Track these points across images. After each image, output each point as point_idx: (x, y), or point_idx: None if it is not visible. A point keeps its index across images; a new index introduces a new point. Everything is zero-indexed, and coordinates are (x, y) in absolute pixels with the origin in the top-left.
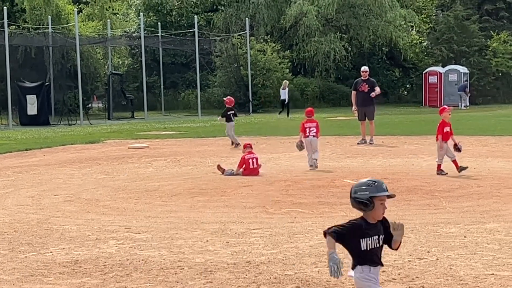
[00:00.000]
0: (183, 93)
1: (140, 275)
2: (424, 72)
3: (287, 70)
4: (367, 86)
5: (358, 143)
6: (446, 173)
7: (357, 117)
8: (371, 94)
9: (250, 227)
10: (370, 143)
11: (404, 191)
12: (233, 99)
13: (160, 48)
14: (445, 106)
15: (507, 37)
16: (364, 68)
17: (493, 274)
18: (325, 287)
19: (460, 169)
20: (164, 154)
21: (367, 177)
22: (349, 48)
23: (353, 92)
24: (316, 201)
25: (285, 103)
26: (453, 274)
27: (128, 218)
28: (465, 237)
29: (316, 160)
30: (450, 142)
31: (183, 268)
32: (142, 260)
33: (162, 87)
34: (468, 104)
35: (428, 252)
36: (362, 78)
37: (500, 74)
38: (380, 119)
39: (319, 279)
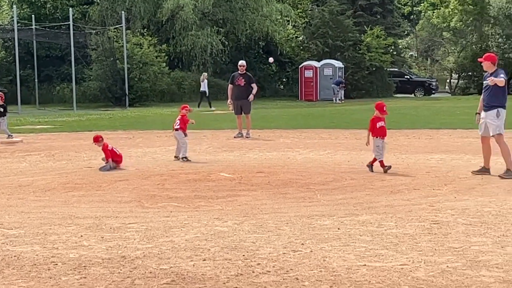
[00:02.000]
0: (58, 86)
1: (12, 271)
2: (300, 66)
3: (164, 63)
4: (243, 80)
5: (234, 137)
6: (390, 166)
7: (233, 111)
8: (249, 99)
9: (126, 222)
10: (247, 137)
11: (280, 185)
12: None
13: (34, 41)
14: (383, 103)
15: (380, 31)
16: (242, 62)
17: (365, 265)
18: (200, 280)
19: (387, 168)
20: (38, 148)
21: (244, 170)
22: (226, 42)
23: (229, 86)
24: (192, 195)
25: (206, 95)
26: (326, 265)
27: (0, 214)
28: (338, 229)
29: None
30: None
31: (56, 264)
32: (15, 256)
33: (36, 80)
34: (342, 98)
35: (303, 244)
36: (239, 72)
37: (373, 69)
38: (257, 112)
39: (194, 273)
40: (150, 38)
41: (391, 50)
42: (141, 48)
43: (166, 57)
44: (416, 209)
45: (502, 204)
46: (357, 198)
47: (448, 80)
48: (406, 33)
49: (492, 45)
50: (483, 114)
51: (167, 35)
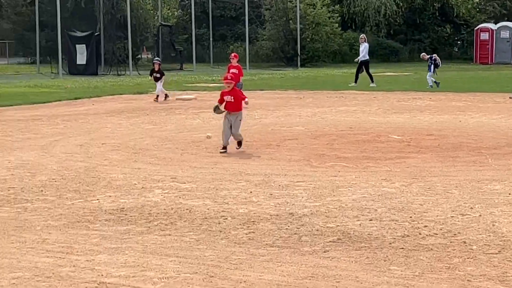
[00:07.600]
0: (232, 45)
1: (184, 223)
2: (475, 28)
3: (337, 24)
4: None
5: None
6: None
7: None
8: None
9: (294, 180)
10: None
11: (450, 148)
12: None
13: (210, 1)
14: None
15: None
16: None
17: None
18: (366, 240)
19: None
20: (211, 106)
21: (413, 133)
22: (400, 3)
23: None
24: (361, 155)
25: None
26: (496, 230)
27: (174, 168)
28: (509, 194)
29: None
30: None
31: (226, 218)
32: (187, 209)
33: (211, 39)
34: None
35: (471, 208)
36: None
37: None
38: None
39: (360, 232)
40: None
41: None
42: (314, 9)
43: (339, 17)
44: None
45: None
46: None
47: None
48: None
49: None
50: None
51: None
